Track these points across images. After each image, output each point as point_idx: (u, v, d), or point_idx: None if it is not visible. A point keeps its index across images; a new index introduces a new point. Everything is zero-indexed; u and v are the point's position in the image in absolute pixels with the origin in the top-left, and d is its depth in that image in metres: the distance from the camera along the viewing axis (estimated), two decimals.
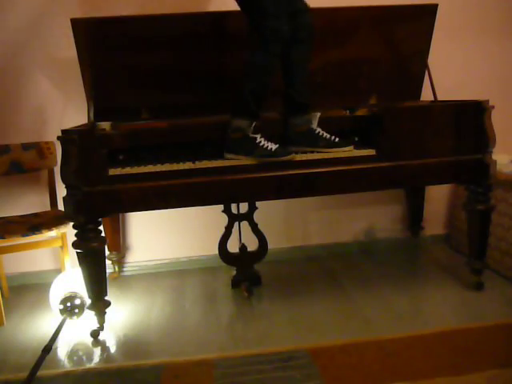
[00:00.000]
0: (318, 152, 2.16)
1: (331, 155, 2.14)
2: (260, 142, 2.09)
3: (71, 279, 2.31)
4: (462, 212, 2.43)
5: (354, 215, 3.08)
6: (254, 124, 2.10)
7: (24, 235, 2.30)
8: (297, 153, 2.13)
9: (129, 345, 2.12)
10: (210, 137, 2.20)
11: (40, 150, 2.63)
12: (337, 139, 2.17)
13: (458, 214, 2.94)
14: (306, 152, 2.16)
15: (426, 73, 2.63)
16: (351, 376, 1.80)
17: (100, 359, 2.02)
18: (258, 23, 2.05)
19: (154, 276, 2.88)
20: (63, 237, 2.52)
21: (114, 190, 2.03)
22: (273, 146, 2.09)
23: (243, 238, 2.55)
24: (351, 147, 2.17)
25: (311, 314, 2.29)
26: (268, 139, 2.12)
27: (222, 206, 2.45)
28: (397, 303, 2.35)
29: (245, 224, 2.51)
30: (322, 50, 2.47)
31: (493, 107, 2.24)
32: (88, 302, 2.17)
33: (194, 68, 2.41)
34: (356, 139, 2.29)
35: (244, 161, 2.09)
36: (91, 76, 2.33)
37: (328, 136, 2.18)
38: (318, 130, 2.20)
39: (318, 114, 2.21)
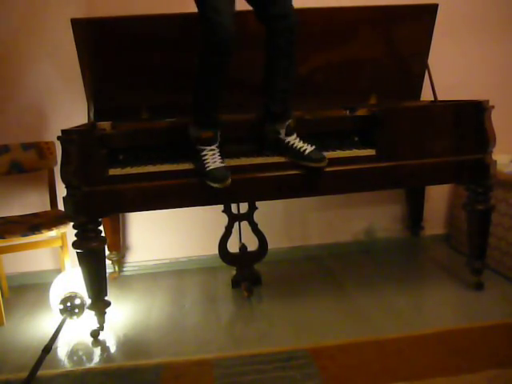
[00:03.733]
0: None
1: (331, 155, 2.14)
2: (205, 155, 1.98)
3: (71, 279, 2.31)
4: (462, 212, 2.43)
5: (353, 215, 3.08)
6: (204, 134, 1.97)
7: (24, 235, 2.30)
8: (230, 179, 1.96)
9: (129, 345, 2.12)
10: None
11: (40, 150, 2.62)
12: (307, 151, 2.02)
13: (457, 214, 2.94)
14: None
15: (426, 73, 2.63)
16: (351, 376, 1.80)
17: (100, 359, 2.02)
18: (200, 15, 1.87)
19: (154, 276, 2.88)
20: (63, 237, 2.53)
21: (113, 190, 2.03)
22: (212, 166, 1.95)
23: (243, 238, 2.55)
24: (324, 163, 2.03)
25: (311, 314, 2.29)
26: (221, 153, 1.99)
27: (221, 206, 2.45)
28: (397, 303, 2.35)
29: (245, 224, 2.51)
30: (322, 49, 2.47)
31: (493, 107, 2.24)
32: (88, 301, 2.17)
33: (194, 68, 2.41)
34: (356, 139, 2.29)
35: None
36: (91, 76, 2.33)
37: (299, 147, 2.03)
38: (289, 139, 2.06)
39: (288, 122, 2.06)
